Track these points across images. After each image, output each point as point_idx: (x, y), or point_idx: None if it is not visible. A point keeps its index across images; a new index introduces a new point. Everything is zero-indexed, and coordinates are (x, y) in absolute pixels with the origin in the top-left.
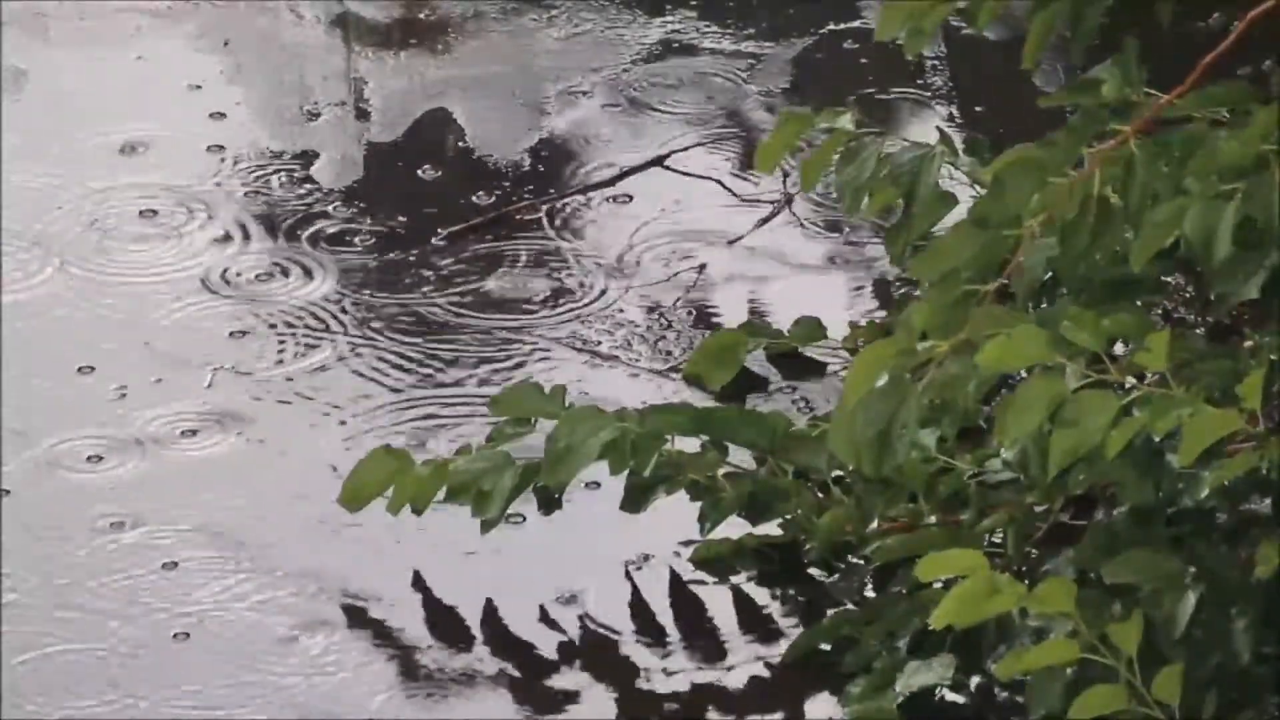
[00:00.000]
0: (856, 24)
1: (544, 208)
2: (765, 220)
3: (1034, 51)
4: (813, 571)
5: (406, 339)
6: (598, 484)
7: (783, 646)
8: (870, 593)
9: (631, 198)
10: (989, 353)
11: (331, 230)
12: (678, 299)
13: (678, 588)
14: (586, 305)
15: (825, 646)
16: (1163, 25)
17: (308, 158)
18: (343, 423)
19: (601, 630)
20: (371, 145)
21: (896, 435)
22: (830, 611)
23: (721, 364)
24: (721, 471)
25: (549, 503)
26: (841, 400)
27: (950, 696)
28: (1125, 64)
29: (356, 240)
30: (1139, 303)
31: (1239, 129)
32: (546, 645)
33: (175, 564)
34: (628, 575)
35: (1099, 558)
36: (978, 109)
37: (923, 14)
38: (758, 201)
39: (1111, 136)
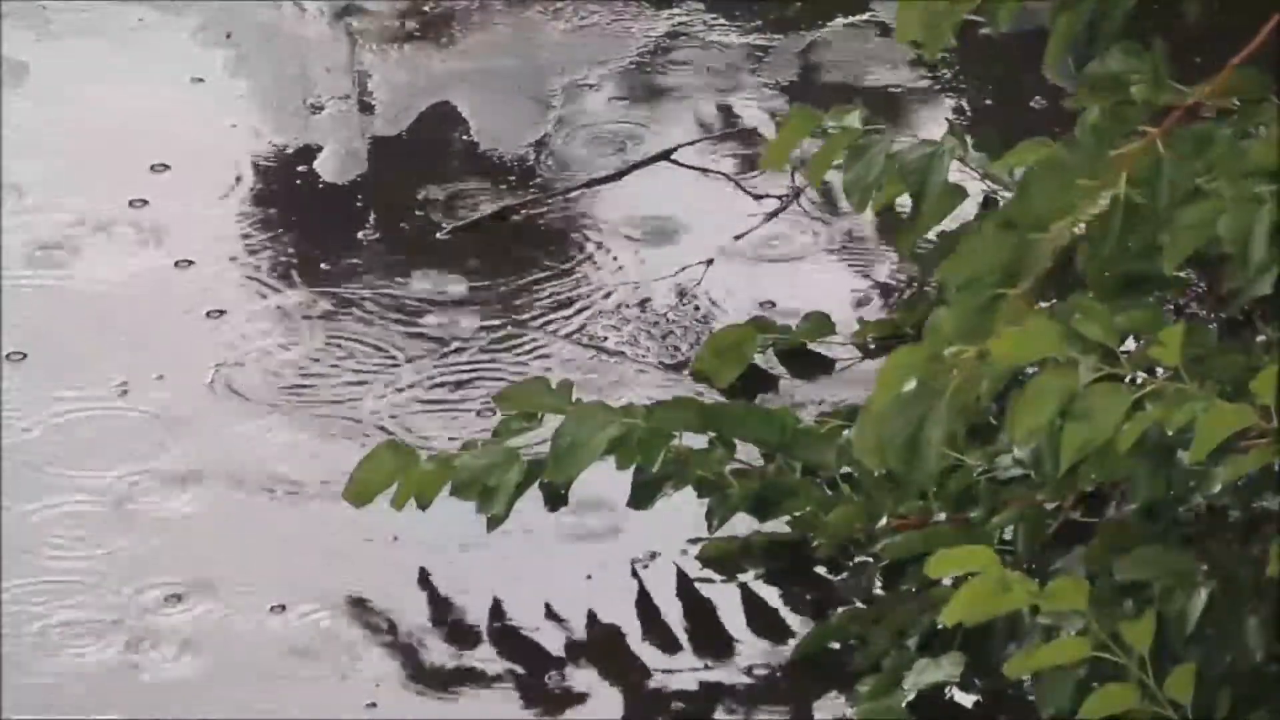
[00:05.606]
0: (865, 16)
1: (550, 202)
2: (773, 215)
3: (1057, 54)
4: (821, 569)
5: (409, 335)
6: (603, 482)
7: (791, 645)
8: (879, 591)
9: (637, 192)
10: (1001, 346)
11: (334, 225)
12: (685, 294)
13: (685, 586)
14: (593, 301)
15: (834, 645)
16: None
17: (310, 152)
18: (343, 418)
19: (608, 628)
20: (375, 139)
21: (925, 441)
22: (839, 609)
23: (729, 360)
24: (729, 468)
25: (555, 499)
26: (868, 405)
27: (960, 695)
28: (1153, 64)
29: (359, 235)
30: (1152, 297)
31: (1252, 121)
32: (553, 643)
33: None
34: (634, 573)
35: (1110, 555)
36: (987, 102)
37: (942, 15)
38: (765, 196)
39: (1136, 136)
